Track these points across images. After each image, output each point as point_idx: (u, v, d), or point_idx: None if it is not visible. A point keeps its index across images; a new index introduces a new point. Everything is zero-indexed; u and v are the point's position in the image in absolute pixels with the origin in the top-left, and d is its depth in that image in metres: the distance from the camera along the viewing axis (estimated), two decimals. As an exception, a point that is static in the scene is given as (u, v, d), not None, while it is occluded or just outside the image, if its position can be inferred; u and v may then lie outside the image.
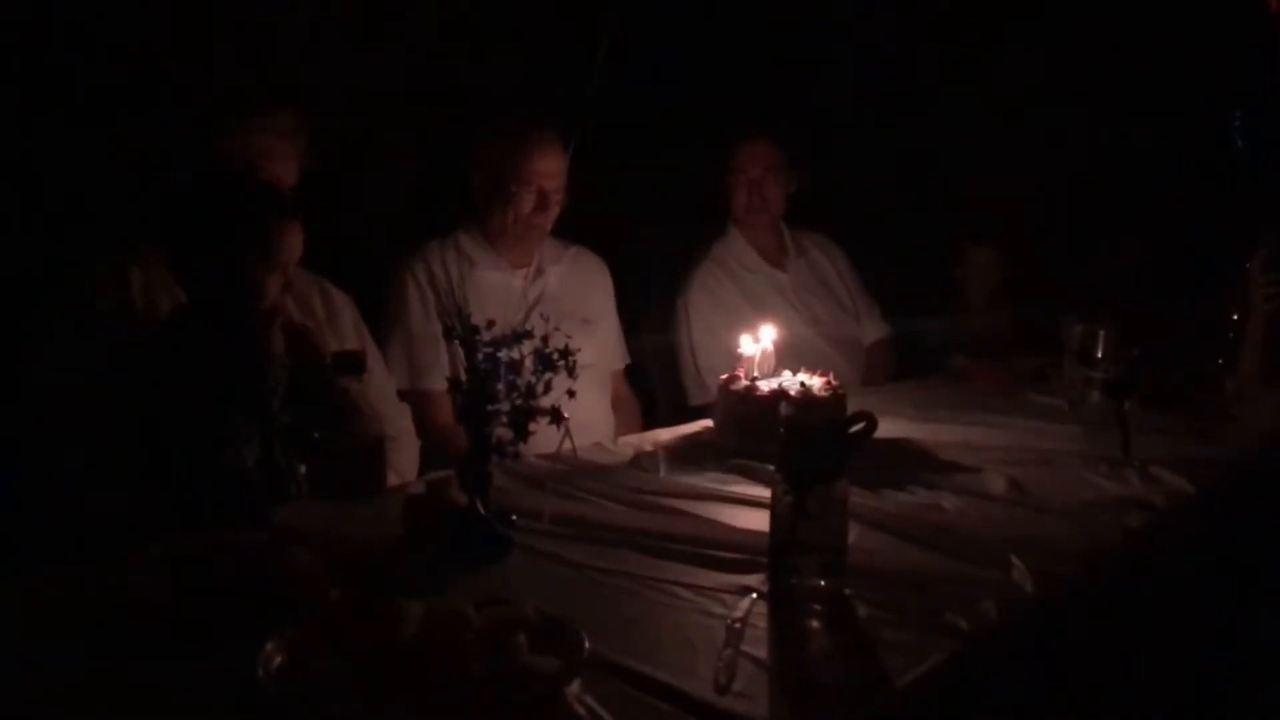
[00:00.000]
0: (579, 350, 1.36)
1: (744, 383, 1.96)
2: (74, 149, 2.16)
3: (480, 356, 1.32)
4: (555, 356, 1.33)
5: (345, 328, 2.07)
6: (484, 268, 2.48)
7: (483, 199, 2.49)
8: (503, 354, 1.32)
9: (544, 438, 1.42)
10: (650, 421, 2.64)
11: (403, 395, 2.29)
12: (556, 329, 1.36)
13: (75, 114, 2.17)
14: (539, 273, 2.55)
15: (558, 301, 2.48)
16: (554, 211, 2.46)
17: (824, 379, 1.97)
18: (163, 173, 1.98)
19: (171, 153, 1.98)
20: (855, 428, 1.24)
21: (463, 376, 1.34)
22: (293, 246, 1.73)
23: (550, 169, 2.42)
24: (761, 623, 1.13)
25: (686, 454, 1.89)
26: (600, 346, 2.58)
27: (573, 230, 2.67)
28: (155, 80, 2.21)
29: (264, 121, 1.93)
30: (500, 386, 1.31)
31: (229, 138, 1.90)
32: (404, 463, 2.03)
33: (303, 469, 1.71)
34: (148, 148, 2.10)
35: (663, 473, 1.79)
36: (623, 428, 2.54)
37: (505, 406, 1.32)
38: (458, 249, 2.49)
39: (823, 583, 1.19)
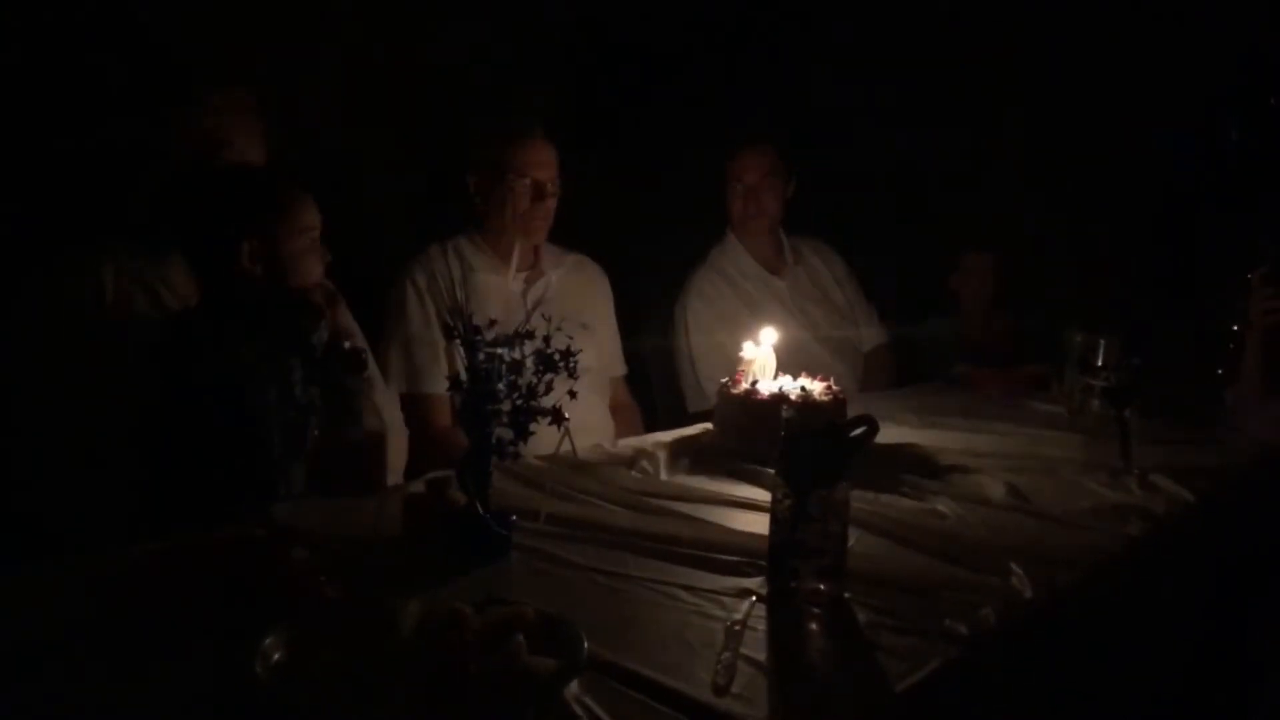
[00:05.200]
0: (580, 352, 1.36)
1: (744, 386, 1.96)
2: (33, 142, 2.15)
3: (482, 356, 1.32)
4: (556, 357, 1.33)
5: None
6: (484, 271, 2.49)
7: (481, 199, 2.51)
8: (504, 354, 1.32)
9: (543, 439, 1.42)
10: (651, 428, 2.64)
11: (402, 399, 2.29)
12: (558, 329, 1.36)
13: (32, 105, 2.16)
14: (539, 276, 2.56)
15: (557, 304, 2.49)
16: (550, 204, 2.48)
17: (824, 383, 1.97)
18: (129, 163, 1.98)
19: (135, 140, 1.96)
20: (856, 432, 1.24)
21: (463, 377, 1.34)
22: (316, 218, 1.76)
23: (542, 158, 2.47)
24: (760, 625, 1.12)
25: (686, 456, 1.88)
26: (599, 351, 2.59)
27: (573, 237, 2.68)
28: (113, 68, 2.20)
29: (222, 101, 1.92)
30: (501, 387, 1.31)
31: (191, 120, 1.89)
32: (393, 453, 2.02)
33: (297, 468, 1.71)
34: (109, 137, 2.08)
35: (662, 475, 1.79)
36: (623, 434, 2.54)
37: (506, 407, 1.32)
38: (458, 253, 2.50)
39: (822, 586, 1.19)
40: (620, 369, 2.76)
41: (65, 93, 2.18)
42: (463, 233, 2.56)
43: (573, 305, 2.52)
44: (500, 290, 2.47)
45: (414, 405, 2.32)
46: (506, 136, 2.47)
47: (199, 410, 1.63)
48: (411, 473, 2.03)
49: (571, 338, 1.38)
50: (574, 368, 1.35)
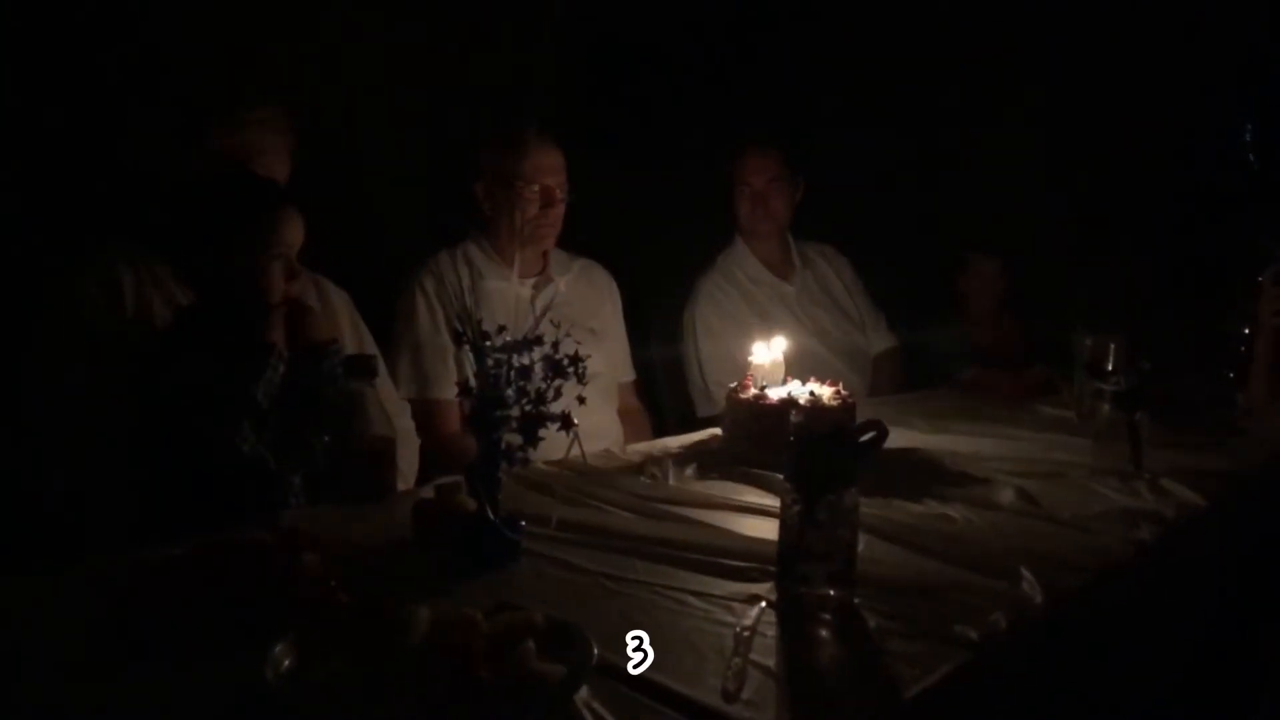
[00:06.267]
0: (589, 356, 1.36)
1: (753, 391, 1.96)
2: (61, 150, 2.17)
3: (490, 362, 1.32)
4: (565, 363, 1.33)
5: (342, 325, 2.07)
6: (492, 278, 2.49)
7: (489, 205, 2.51)
8: (513, 360, 1.32)
9: (552, 444, 1.42)
10: (659, 434, 2.64)
11: (411, 405, 2.30)
12: (567, 335, 1.36)
13: (61, 114, 2.18)
14: (547, 281, 2.56)
15: (565, 310, 2.49)
16: (559, 210, 2.48)
17: (833, 388, 1.97)
18: (154, 173, 1.99)
19: (162, 152, 1.98)
20: (865, 437, 1.24)
21: (472, 383, 1.34)
22: (292, 236, 1.75)
23: (550, 165, 2.46)
24: (770, 631, 1.12)
25: (695, 462, 1.88)
26: (607, 356, 2.59)
27: (580, 242, 2.69)
28: (143, 79, 2.22)
29: (253, 117, 1.94)
30: (510, 392, 1.32)
31: (219, 135, 1.91)
32: (405, 461, 2.03)
33: (297, 479, 1.72)
34: (137, 148, 2.11)
35: (671, 480, 1.79)
36: (632, 439, 2.54)
37: (515, 412, 1.32)
38: (466, 259, 2.50)
39: (831, 592, 1.19)
40: (629, 374, 2.76)
41: (98, 101, 2.20)
42: (471, 238, 2.56)
43: (581, 311, 2.53)
44: (509, 296, 2.47)
45: (423, 411, 2.32)
46: (514, 143, 2.46)
47: (181, 416, 1.65)
48: (421, 478, 2.04)
49: (580, 343, 1.39)
50: (583, 373, 1.35)
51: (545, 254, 2.60)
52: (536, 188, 2.44)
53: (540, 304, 2.51)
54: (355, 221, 2.44)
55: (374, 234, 2.58)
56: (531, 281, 2.54)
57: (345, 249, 2.08)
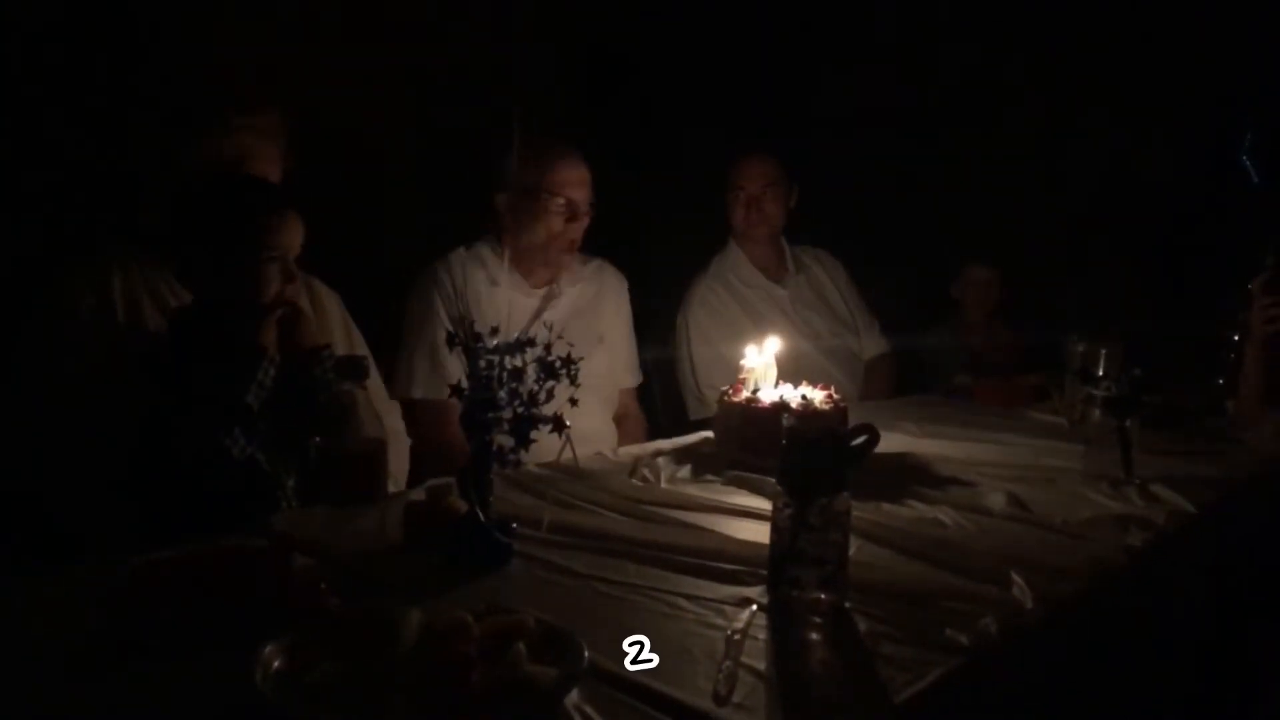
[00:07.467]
0: (582, 359, 1.36)
1: (745, 395, 1.96)
2: (56, 152, 2.17)
3: (483, 363, 1.32)
4: (557, 364, 1.33)
5: (331, 324, 2.06)
6: (504, 286, 2.47)
7: (512, 218, 2.48)
8: (506, 361, 1.32)
9: (545, 447, 1.42)
10: (653, 436, 2.64)
11: (420, 404, 2.29)
12: (559, 337, 1.36)
13: (57, 116, 2.17)
14: (558, 292, 2.54)
15: (574, 318, 2.48)
16: (583, 224, 2.47)
17: (826, 392, 1.97)
18: (148, 175, 1.99)
19: (156, 155, 1.98)
20: (857, 441, 1.24)
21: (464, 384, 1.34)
22: (290, 239, 1.75)
23: (577, 178, 2.45)
24: (761, 635, 1.12)
25: (687, 464, 1.89)
26: (612, 363, 2.59)
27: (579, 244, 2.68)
28: (138, 81, 2.22)
29: (247, 121, 1.94)
30: (502, 394, 1.31)
31: (213, 139, 1.90)
32: (394, 462, 2.02)
33: (290, 481, 1.71)
34: (132, 151, 2.10)
35: (663, 483, 1.79)
36: (626, 444, 2.53)
37: (507, 414, 1.32)
38: (480, 262, 2.49)
39: (823, 596, 1.19)
40: (631, 380, 2.74)
41: (93, 107, 2.20)
42: (485, 241, 2.54)
43: (589, 317, 2.53)
44: (518, 306, 2.46)
45: (431, 410, 2.31)
46: (541, 155, 2.44)
47: (173, 419, 1.65)
48: (425, 479, 2.03)
49: (572, 345, 1.38)
50: (575, 375, 1.35)
51: (556, 262, 2.58)
52: (563, 201, 2.43)
53: (548, 316, 2.48)
54: (349, 223, 2.43)
55: (368, 236, 2.58)
56: (542, 291, 2.53)
57: (339, 250, 2.07)
